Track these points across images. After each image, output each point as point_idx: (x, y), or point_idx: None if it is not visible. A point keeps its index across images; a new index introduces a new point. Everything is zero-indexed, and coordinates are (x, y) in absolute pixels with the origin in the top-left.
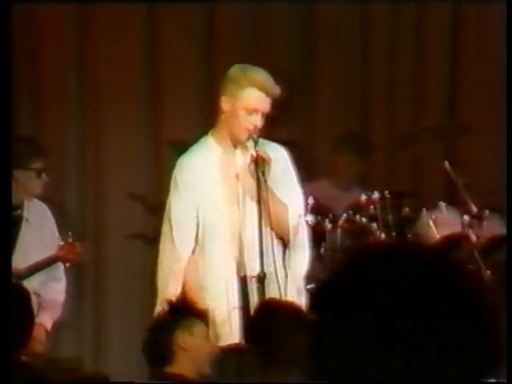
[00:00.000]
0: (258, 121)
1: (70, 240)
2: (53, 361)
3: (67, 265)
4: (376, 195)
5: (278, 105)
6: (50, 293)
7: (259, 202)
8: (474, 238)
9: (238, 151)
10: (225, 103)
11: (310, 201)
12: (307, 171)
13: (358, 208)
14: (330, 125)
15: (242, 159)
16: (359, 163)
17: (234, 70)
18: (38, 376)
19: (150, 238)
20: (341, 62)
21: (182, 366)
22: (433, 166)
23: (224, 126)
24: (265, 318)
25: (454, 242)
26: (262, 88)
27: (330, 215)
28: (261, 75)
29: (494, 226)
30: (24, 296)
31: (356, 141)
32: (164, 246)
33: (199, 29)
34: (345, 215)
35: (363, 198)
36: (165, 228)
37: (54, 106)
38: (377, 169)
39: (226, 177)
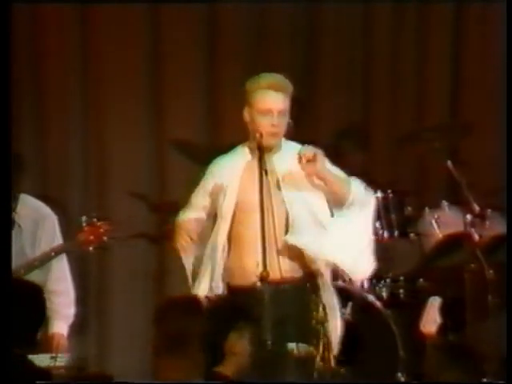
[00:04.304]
0: (274, 120)
1: (94, 220)
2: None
3: (90, 248)
4: (379, 194)
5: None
6: (58, 304)
7: (261, 200)
8: (476, 237)
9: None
10: (245, 114)
11: None
12: None
13: None
14: (332, 124)
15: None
16: (359, 159)
17: (248, 81)
18: (41, 374)
19: (153, 237)
20: (343, 61)
21: (229, 368)
22: (435, 166)
23: (250, 136)
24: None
25: (456, 242)
26: (270, 86)
27: None
28: (269, 76)
29: (496, 225)
30: (35, 292)
31: (356, 137)
32: None
33: (202, 28)
34: None
35: None
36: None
37: (56, 105)
38: (379, 168)
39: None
